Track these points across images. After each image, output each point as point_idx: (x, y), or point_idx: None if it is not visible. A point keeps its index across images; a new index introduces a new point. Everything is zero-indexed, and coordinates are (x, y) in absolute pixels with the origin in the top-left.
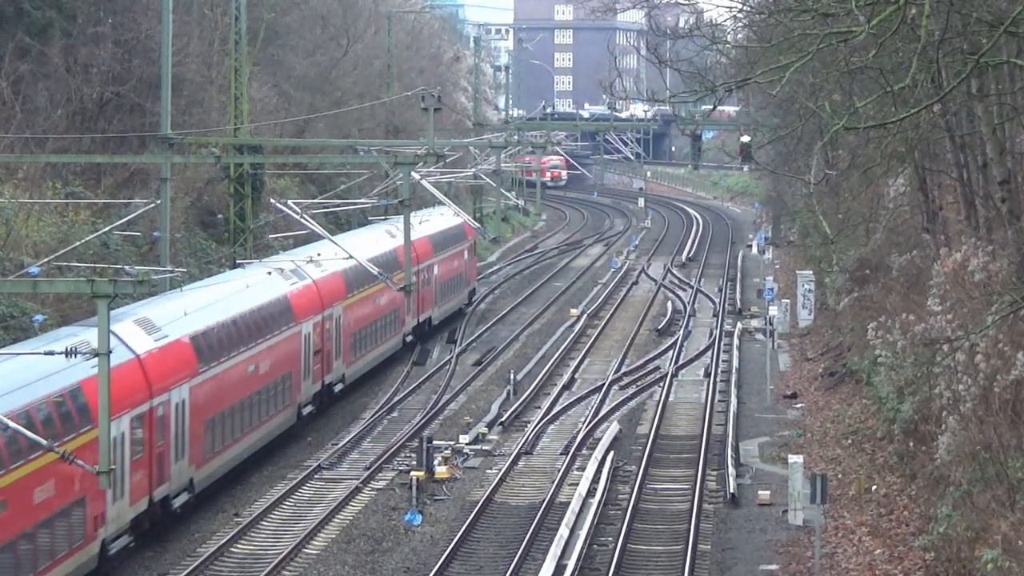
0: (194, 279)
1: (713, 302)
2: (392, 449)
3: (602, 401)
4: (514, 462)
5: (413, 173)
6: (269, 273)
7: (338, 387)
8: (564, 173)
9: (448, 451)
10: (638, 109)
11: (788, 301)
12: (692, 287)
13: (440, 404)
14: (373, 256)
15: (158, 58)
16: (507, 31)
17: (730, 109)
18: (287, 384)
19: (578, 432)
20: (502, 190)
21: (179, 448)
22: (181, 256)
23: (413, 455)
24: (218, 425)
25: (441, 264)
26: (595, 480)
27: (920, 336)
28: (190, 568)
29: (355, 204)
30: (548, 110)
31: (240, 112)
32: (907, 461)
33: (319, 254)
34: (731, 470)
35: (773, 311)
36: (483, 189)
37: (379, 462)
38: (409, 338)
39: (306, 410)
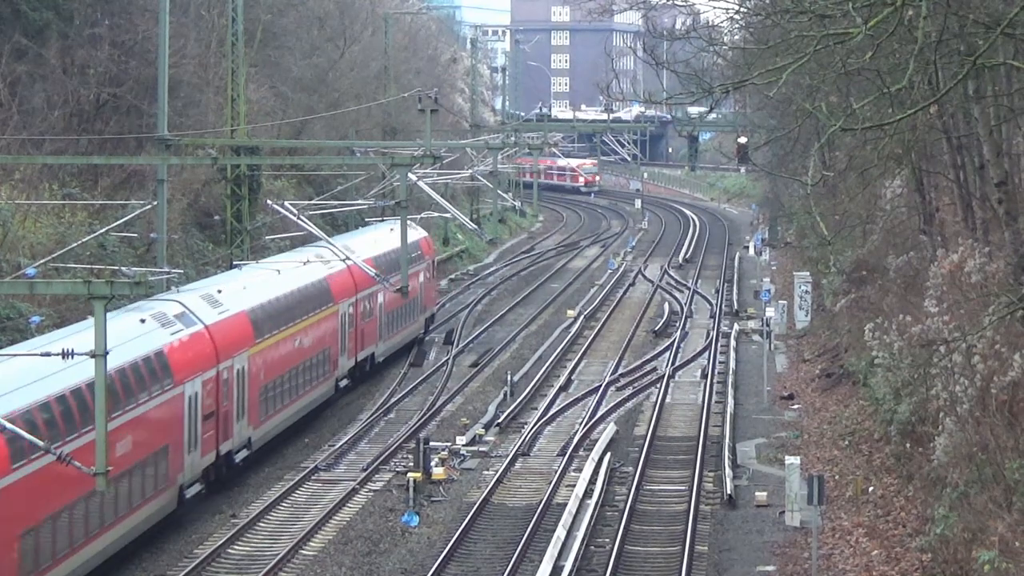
0: (191, 280)
1: (710, 303)
2: (389, 450)
3: (599, 402)
4: (511, 463)
5: (410, 174)
6: (143, 321)
7: (240, 454)
8: (598, 178)
9: (445, 452)
10: (637, 111)
11: (785, 302)
12: (689, 288)
13: (437, 405)
14: (305, 284)
15: (155, 59)
16: (504, 32)
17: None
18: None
19: (575, 433)
20: (499, 191)
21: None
22: (178, 257)
23: (410, 456)
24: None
25: (389, 293)
26: (592, 481)
27: (917, 337)
28: (187, 569)
29: (352, 205)
30: (544, 110)
31: (237, 113)
32: (904, 462)
33: (218, 291)
34: (728, 471)
35: (770, 312)
36: (480, 190)
37: (376, 463)
38: (344, 382)
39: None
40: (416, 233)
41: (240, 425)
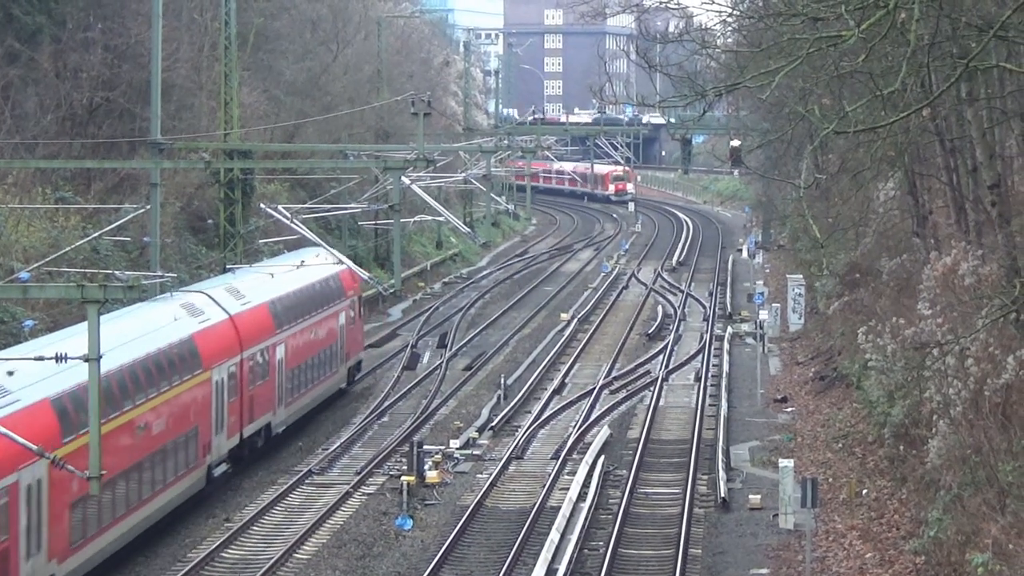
0: (185, 284)
1: (703, 306)
2: (383, 454)
3: (593, 405)
4: (505, 466)
5: (403, 178)
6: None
7: None
8: (630, 186)
9: (439, 456)
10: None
11: (778, 305)
12: (682, 291)
13: (431, 409)
14: (160, 348)
15: (148, 63)
16: (497, 36)
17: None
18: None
19: (569, 436)
20: (492, 195)
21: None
22: (171, 261)
23: (404, 460)
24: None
25: (294, 340)
26: (586, 484)
27: (910, 340)
28: (181, 573)
29: (345, 209)
30: (536, 115)
31: (230, 117)
32: (898, 465)
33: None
34: (722, 474)
35: (763, 315)
36: (473, 193)
37: (370, 467)
38: (220, 469)
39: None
40: (333, 262)
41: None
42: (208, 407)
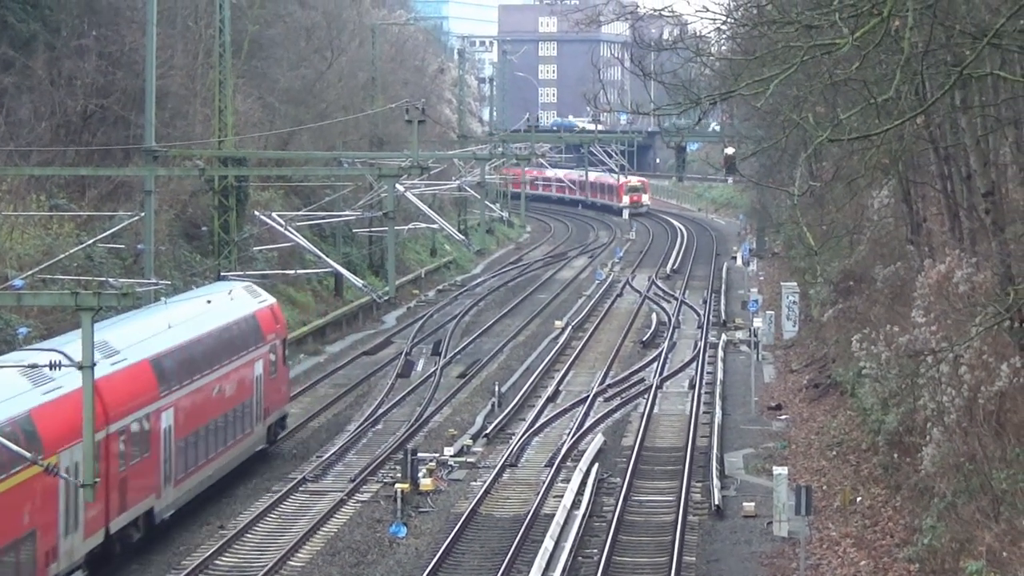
0: (179, 291)
1: (698, 314)
2: (377, 461)
3: (587, 413)
4: (499, 474)
5: (397, 185)
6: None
7: None
8: (646, 198)
9: (433, 463)
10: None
11: (773, 313)
12: (677, 299)
13: (425, 416)
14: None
15: (142, 71)
16: (491, 43)
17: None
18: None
19: (563, 444)
20: (486, 202)
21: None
22: (165, 269)
23: (398, 467)
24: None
25: (189, 402)
26: (580, 492)
27: (904, 347)
28: None
29: (339, 216)
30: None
31: (224, 124)
32: (892, 472)
33: None
34: (716, 482)
35: (758, 323)
36: (468, 201)
37: (364, 474)
38: None
39: None
40: (251, 300)
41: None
42: (53, 503)
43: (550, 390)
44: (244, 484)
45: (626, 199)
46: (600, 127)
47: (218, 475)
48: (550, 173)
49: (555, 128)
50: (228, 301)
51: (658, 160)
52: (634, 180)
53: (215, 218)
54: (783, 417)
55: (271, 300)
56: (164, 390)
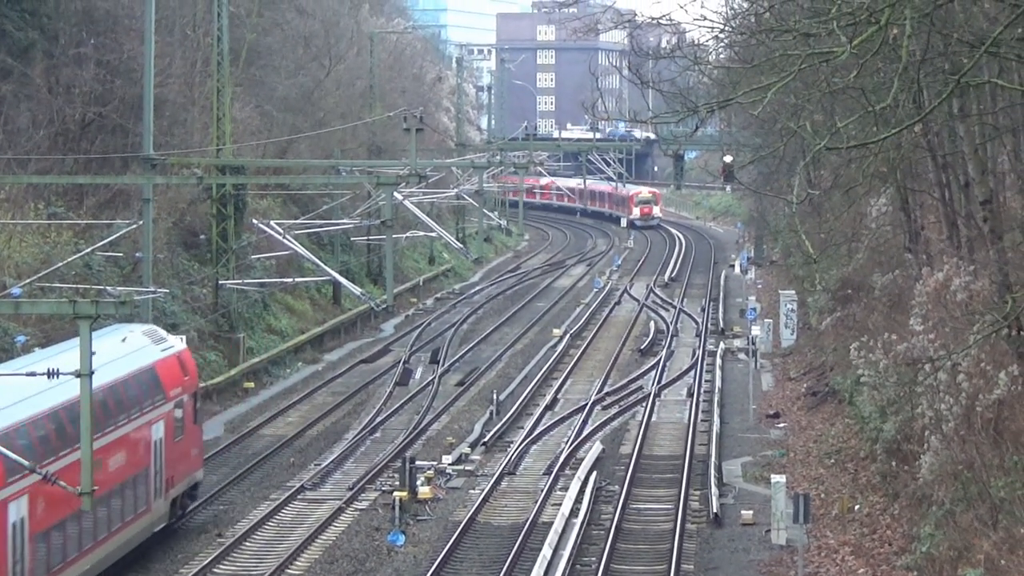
0: (176, 300)
1: (696, 322)
2: (375, 469)
3: (585, 421)
4: (497, 482)
5: (395, 193)
6: None
7: None
8: (657, 210)
9: (431, 471)
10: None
11: (771, 321)
12: (675, 307)
13: (423, 424)
14: None
15: (140, 79)
16: (489, 51)
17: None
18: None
19: (561, 452)
20: (484, 210)
21: None
22: (163, 277)
23: (396, 475)
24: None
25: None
26: (578, 500)
27: (902, 355)
28: None
29: (338, 224)
30: (529, 131)
31: (222, 133)
32: (890, 480)
33: None
34: (714, 490)
35: (756, 331)
36: (466, 209)
37: (362, 482)
38: None
39: None
40: (151, 348)
41: None
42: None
43: (548, 398)
44: (242, 493)
45: (636, 211)
46: (622, 132)
47: (100, 567)
48: (561, 183)
49: (614, 138)
50: (119, 351)
51: (656, 168)
52: (645, 192)
53: (213, 226)
54: (781, 425)
55: (180, 347)
56: (13, 475)
